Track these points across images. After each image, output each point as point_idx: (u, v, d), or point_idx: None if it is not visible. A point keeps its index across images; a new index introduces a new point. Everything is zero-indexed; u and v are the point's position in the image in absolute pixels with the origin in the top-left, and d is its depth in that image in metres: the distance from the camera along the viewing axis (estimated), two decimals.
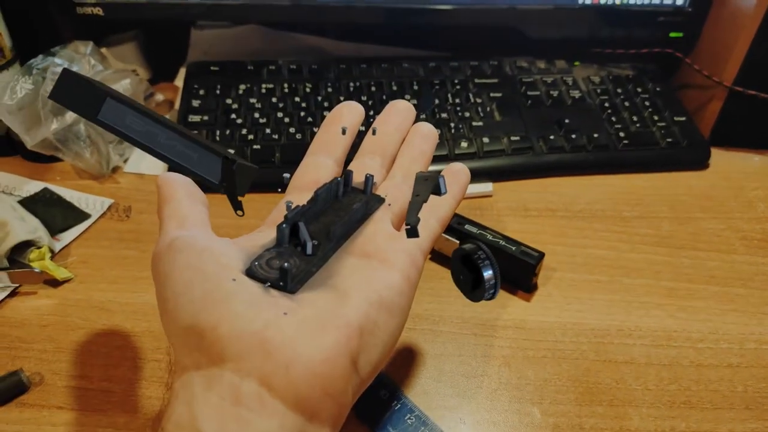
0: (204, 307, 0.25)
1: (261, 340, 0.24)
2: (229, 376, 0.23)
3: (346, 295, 0.27)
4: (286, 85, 0.62)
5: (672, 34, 0.65)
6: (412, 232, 0.28)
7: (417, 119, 0.38)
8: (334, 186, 0.32)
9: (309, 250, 0.29)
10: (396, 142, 0.37)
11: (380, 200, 0.33)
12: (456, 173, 0.35)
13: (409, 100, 0.61)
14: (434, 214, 0.33)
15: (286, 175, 0.34)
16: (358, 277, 0.28)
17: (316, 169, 0.34)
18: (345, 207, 0.32)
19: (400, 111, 0.37)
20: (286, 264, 0.26)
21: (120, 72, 0.58)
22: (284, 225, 0.29)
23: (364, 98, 0.62)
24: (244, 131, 0.57)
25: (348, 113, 0.36)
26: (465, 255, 0.40)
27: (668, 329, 0.44)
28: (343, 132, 0.36)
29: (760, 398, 0.39)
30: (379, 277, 0.28)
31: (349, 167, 0.35)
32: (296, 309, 0.26)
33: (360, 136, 0.37)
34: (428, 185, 0.29)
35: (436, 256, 0.49)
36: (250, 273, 0.27)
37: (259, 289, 0.26)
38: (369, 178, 0.33)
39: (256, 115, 0.59)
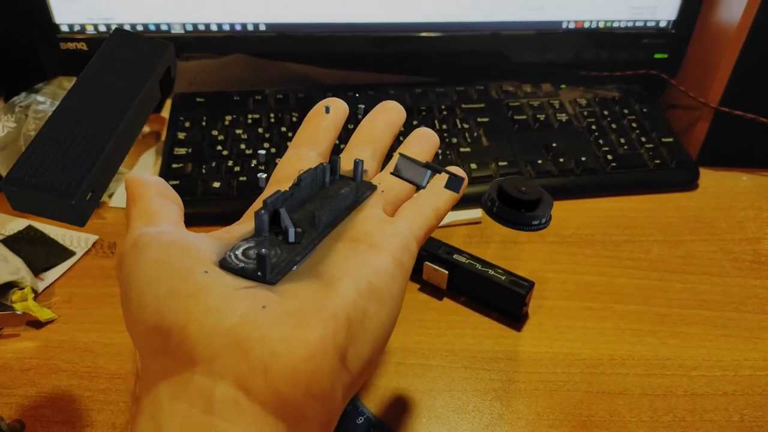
0: (171, 303, 0.22)
1: (235, 337, 0.21)
2: (199, 380, 0.21)
3: (332, 284, 0.24)
4: (272, 115, 0.62)
5: (657, 56, 0.65)
6: (455, 183, 0.28)
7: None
8: (319, 172, 0.29)
9: (292, 238, 0.26)
10: (387, 136, 0.35)
11: (371, 187, 0.31)
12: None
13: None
14: (431, 204, 0.31)
15: (262, 175, 0.30)
16: (345, 264, 0.25)
17: (299, 160, 0.32)
18: (332, 195, 0.29)
19: (389, 109, 0.36)
20: (263, 250, 0.24)
21: None
22: (263, 212, 0.26)
23: (351, 126, 0.61)
24: (230, 163, 0.57)
25: (332, 108, 0.34)
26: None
27: (661, 357, 0.43)
28: (327, 110, 0.34)
29: (756, 428, 0.39)
30: (367, 262, 0.26)
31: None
32: (277, 301, 0.23)
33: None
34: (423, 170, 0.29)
35: (426, 287, 0.48)
36: (224, 264, 0.24)
37: (235, 281, 0.23)
38: (359, 164, 0.31)
39: (243, 146, 0.59)
